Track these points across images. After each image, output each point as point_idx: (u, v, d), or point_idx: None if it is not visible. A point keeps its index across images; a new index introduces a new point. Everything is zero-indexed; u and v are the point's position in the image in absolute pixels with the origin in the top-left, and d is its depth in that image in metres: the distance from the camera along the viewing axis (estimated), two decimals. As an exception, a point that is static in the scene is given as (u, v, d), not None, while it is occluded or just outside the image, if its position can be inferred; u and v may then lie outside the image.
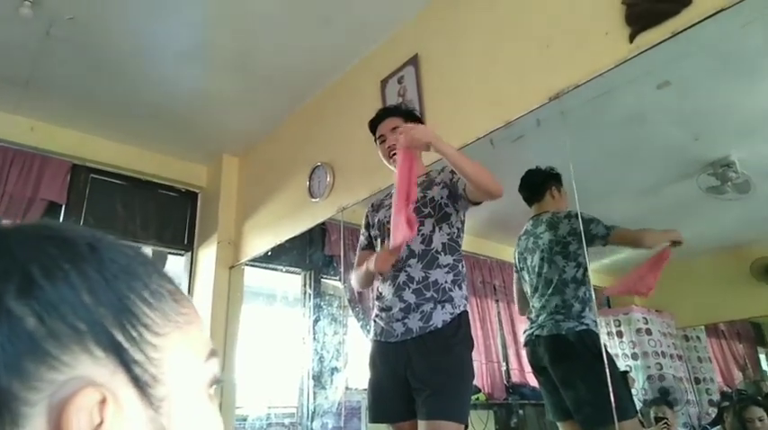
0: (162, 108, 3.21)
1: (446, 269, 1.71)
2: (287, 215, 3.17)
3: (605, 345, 2.29)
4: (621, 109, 2.10)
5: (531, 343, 2.19)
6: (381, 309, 1.78)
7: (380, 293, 1.81)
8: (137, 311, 0.33)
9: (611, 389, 1.76)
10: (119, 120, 3.33)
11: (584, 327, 2.05)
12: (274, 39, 2.69)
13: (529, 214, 2.38)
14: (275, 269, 3.63)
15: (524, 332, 2.28)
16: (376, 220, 1.92)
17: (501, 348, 3.19)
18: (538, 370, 2.22)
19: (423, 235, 1.73)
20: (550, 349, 2.09)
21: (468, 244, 3.11)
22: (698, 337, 3.03)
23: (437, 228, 1.73)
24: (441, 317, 1.65)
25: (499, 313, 3.24)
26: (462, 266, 1.77)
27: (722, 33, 1.54)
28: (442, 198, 1.76)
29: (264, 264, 3.55)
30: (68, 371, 0.29)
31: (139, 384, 0.32)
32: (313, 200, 2.93)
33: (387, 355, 1.72)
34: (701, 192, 2.40)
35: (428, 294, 1.68)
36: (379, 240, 1.89)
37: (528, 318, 2.28)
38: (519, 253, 2.37)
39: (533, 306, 2.24)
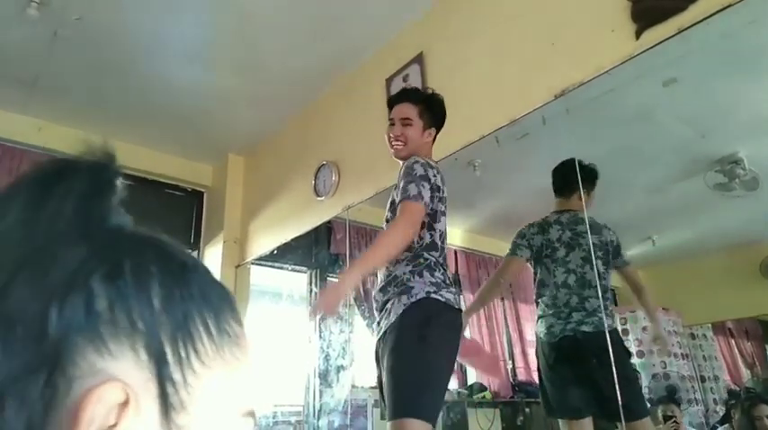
0: (168, 108, 3.22)
1: (405, 262, 1.65)
2: (292, 214, 3.18)
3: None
4: (627, 106, 2.09)
5: (569, 338, 2.15)
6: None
7: None
8: (194, 334, 0.33)
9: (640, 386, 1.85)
10: (125, 120, 3.35)
11: (615, 326, 2.14)
12: (280, 38, 2.69)
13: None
14: (281, 268, 3.63)
15: (548, 327, 2.23)
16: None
17: (507, 346, 3.18)
18: (553, 366, 2.18)
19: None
20: (596, 345, 2.06)
21: (473, 242, 3.13)
22: (704, 336, 3.02)
23: None
24: (396, 310, 1.60)
25: (505, 311, 3.23)
26: (427, 256, 1.66)
27: (729, 30, 1.53)
28: (397, 197, 1.71)
29: (270, 263, 3.56)
30: (109, 360, 0.29)
31: (165, 403, 0.31)
32: (318, 198, 2.94)
33: (376, 352, 1.73)
34: (709, 189, 2.38)
35: (390, 290, 1.65)
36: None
37: (549, 311, 2.24)
38: (546, 239, 2.30)
39: (559, 300, 2.20)
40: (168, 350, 0.32)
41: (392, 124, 1.81)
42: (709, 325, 3.00)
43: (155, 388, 0.31)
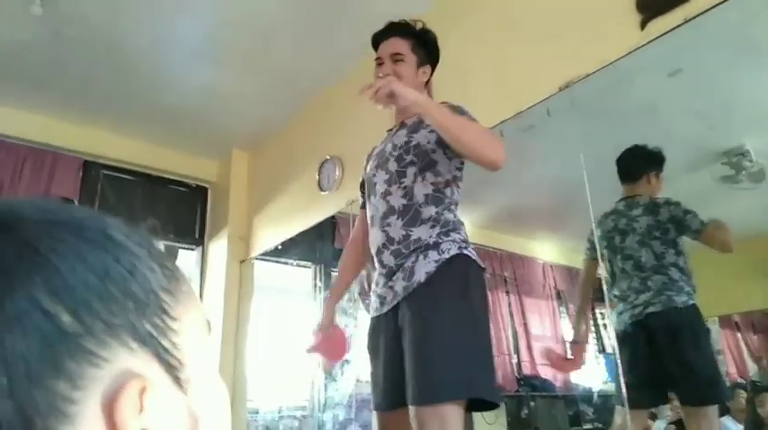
0: (172, 104, 3.23)
1: (430, 223, 1.40)
2: (297, 209, 3.18)
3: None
4: (633, 98, 2.08)
5: (640, 322, 2.11)
6: (372, 284, 1.53)
7: (371, 265, 1.56)
8: (156, 298, 0.33)
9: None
10: (130, 117, 3.35)
11: (693, 302, 2.07)
12: (284, 35, 2.69)
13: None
14: (286, 263, 3.64)
15: (620, 313, 2.19)
16: (366, 175, 1.64)
17: (512, 340, 3.18)
18: (635, 349, 2.12)
19: (405, 187, 1.44)
20: (667, 322, 2.05)
21: (477, 236, 3.12)
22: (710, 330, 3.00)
23: (419, 178, 1.43)
24: (423, 269, 1.34)
25: (510, 305, 3.23)
26: (454, 215, 1.45)
27: (736, 19, 1.51)
28: (429, 143, 1.46)
29: (275, 259, 3.57)
30: (108, 366, 0.29)
31: (170, 370, 0.33)
32: (322, 193, 2.94)
33: (378, 332, 1.45)
34: (715, 181, 2.37)
35: (406, 251, 1.39)
36: (366, 197, 1.61)
37: (619, 298, 2.21)
38: (604, 231, 2.27)
39: (627, 286, 2.18)
40: (149, 327, 0.32)
41: (380, 64, 1.58)
42: (716, 318, 2.98)
43: (156, 363, 0.32)
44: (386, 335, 1.41)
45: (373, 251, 1.50)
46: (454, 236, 1.41)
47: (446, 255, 1.36)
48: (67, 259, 0.30)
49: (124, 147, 3.54)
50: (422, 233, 1.40)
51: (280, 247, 3.33)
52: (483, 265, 1.42)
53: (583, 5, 1.78)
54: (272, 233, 3.37)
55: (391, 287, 1.41)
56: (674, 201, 2.14)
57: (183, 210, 3.86)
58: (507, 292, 3.23)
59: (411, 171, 1.44)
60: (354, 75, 2.92)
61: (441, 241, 1.38)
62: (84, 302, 0.29)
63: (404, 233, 1.41)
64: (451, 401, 1.21)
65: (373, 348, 1.49)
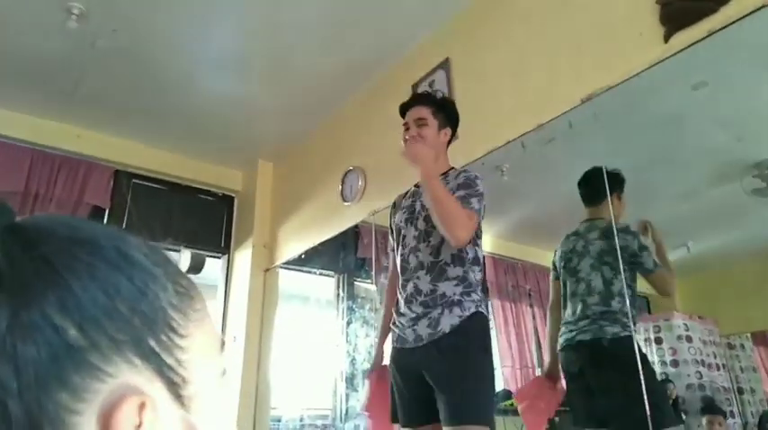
0: (200, 115, 3.30)
1: (455, 281, 1.65)
2: (320, 219, 3.21)
3: (645, 354, 2.25)
4: (656, 110, 2.05)
5: (571, 348, 2.14)
6: (397, 317, 1.76)
7: (398, 300, 1.79)
8: (165, 316, 0.34)
9: (648, 398, 1.74)
10: (159, 127, 3.44)
11: (627, 334, 2.02)
12: (308, 46, 2.73)
13: (562, 215, 2.34)
14: (309, 272, 3.67)
15: (561, 336, 2.24)
16: (394, 223, 1.88)
17: (536, 353, 3.14)
18: (571, 376, 2.18)
19: (432, 246, 1.68)
20: (592, 353, 2.05)
21: (499, 247, 3.10)
22: (742, 346, 2.91)
23: (445, 240, 1.64)
24: (449, 321, 1.60)
25: (534, 318, 3.19)
26: (475, 274, 1.70)
27: (762, 32, 1.48)
28: None
29: (298, 267, 3.60)
30: (111, 381, 0.30)
31: (172, 387, 0.33)
32: (345, 203, 2.96)
33: (402, 361, 1.71)
34: (746, 194, 2.31)
35: (432, 304, 1.65)
36: (395, 243, 1.85)
37: (564, 322, 2.24)
38: (564, 251, 2.30)
39: (572, 310, 2.20)
40: (154, 344, 0.33)
41: (407, 128, 1.83)
42: (748, 334, 2.90)
43: (158, 380, 0.33)
44: (411, 366, 1.67)
45: (403, 296, 1.73)
46: (474, 296, 1.66)
47: (467, 313, 1.62)
48: (81, 277, 0.31)
49: (153, 156, 3.63)
50: (446, 289, 1.64)
51: (303, 256, 3.36)
52: (489, 316, 1.75)
53: (605, 18, 1.77)
54: (295, 242, 3.41)
55: (415, 330, 1.65)
56: (632, 231, 2.09)
57: (210, 219, 3.93)
58: (531, 305, 3.20)
59: (437, 232, 1.65)
60: (378, 86, 2.95)
61: (463, 300, 1.63)
62: (93, 319, 0.31)
63: (431, 287, 1.65)
64: (482, 424, 1.53)
65: (398, 374, 1.73)
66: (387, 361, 1.87)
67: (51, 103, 3.15)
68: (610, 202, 2.21)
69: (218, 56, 2.80)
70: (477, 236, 1.74)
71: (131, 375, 0.31)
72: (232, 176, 3.99)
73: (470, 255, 1.70)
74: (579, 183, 2.28)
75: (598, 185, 2.26)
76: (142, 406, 0.31)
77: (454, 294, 1.64)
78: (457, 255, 1.67)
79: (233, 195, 4.04)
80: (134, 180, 3.62)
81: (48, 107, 3.19)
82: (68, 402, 0.29)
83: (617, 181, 2.21)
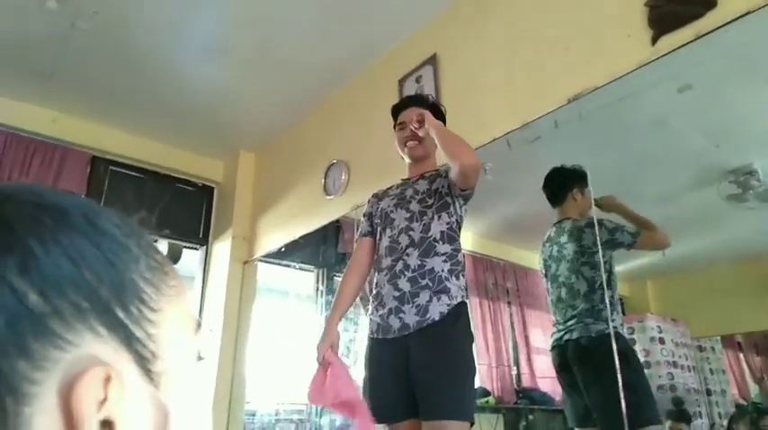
0: (182, 103, 3.25)
1: (443, 257, 1.68)
2: (301, 212, 3.18)
3: (635, 349, 2.29)
4: (641, 113, 2.08)
5: (560, 347, 2.17)
6: (377, 306, 1.74)
7: (376, 284, 1.78)
8: (135, 287, 0.33)
9: (623, 394, 1.77)
10: (139, 114, 3.37)
11: (609, 330, 2.05)
12: (294, 37, 2.70)
13: (543, 215, 2.36)
14: (288, 265, 3.64)
15: (551, 336, 2.26)
16: (379, 209, 1.90)
17: (512, 352, 3.16)
18: (560, 373, 2.20)
19: (424, 224, 1.72)
20: (579, 351, 2.07)
21: (481, 246, 3.12)
22: (712, 348, 2.98)
23: (436, 217, 1.72)
24: (437, 309, 1.61)
25: (511, 316, 3.22)
26: (462, 256, 1.74)
27: (748, 37, 1.51)
28: (443, 187, 1.77)
29: (278, 261, 3.58)
30: (73, 350, 0.29)
31: (141, 361, 0.32)
32: (328, 197, 2.94)
33: (385, 353, 1.68)
34: (722, 200, 2.36)
35: (423, 282, 1.65)
36: (380, 229, 1.86)
37: (554, 324, 2.26)
38: (543, 259, 2.35)
39: (560, 313, 2.22)
40: (122, 315, 0.31)
41: (402, 127, 1.87)
42: (718, 338, 2.96)
43: (125, 352, 0.31)
44: (393, 358, 1.65)
45: (387, 276, 1.73)
46: (461, 281, 1.69)
47: (455, 301, 1.64)
48: (44, 242, 0.30)
49: (132, 143, 3.56)
50: (435, 264, 1.67)
51: (283, 250, 3.33)
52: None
53: (593, 19, 1.78)
54: (275, 235, 3.38)
55: (401, 318, 1.64)
56: (597, 220, 2.10)
57: (189, 209, 3.87)
58: (509, 303, 3.22)
59: (430, 212, 1.74)
60: (365, 79, 2.93)
61: (450, 285, 1.66)
62: (55, 284, 0.29)
63: (419, 263, 1.68)
64: (464, 420, 1.54)
65: (377, 367, 1.71)
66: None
67: (27, 85, 3.06)
68: (572, 198, 2.24)
69: (203, 43, 2.75)
70: (460, 225, 1.78)
71: (96, 345, 0.30)
72: (213, 166, 3.93)
73: (459, 235, 1.76)
74: (543, 186, 2.31)
75: (558, 185, 2.29)
76: (108, 379, 0.29)
77: (442, 271, 1.66)
78: (446, 232, 1.71)
79: (213, 186, 3.98)
80: (112, 167, 3.55)
81: (23, 89, 3.10)
82: (26, 370, 0.27)
83: (577, 176, 2.24)
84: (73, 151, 3.34)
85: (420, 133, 1.76)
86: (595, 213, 2.13)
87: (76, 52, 2.79)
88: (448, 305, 1.62)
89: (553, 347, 2.23)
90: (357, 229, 3.05)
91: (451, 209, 1.75)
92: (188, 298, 0.38)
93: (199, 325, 0.39)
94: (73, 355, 0.29)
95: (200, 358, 0.38)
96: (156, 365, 0.33)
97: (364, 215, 1.98)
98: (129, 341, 0.31)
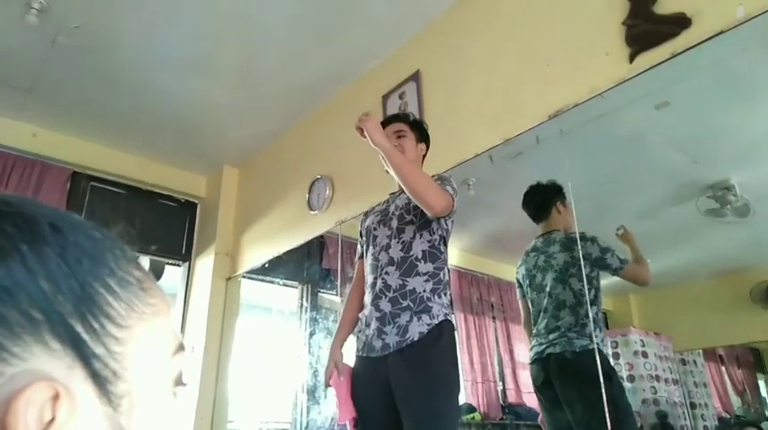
0: (164, 118, 3.23)
1: (425, 277, 1.65)
2: (285, 227, 3.16)
3: (614, 366, 2.29)
4: (621, 129, 2.11)
5: (541, 360, 2.16)
6: (362, 324, 1.75)
7: (363, 304, 1.78)
8: (100, 301, 0.31)
9: (607, 409, 1.76)
10: (121, 129, 3.34)
11: (593, 346, 2.05)
12: (277, 52, 2.71)
13: (527, 229, 2.37)
14: (272, 282, 3.61)
15: (531, 349, 2.25)
16: (365, 227, 1.89)
17: (498, 367, 3.16)
18: (541, 388, 2.19)
19: (403, 242, 1.70)
20: (561, 365, 2.07)
21: (465, 261, 3.12)
22: (695, 362, 3.00)
23: (417, 235, 1.69)
24: (417, 329, 1.59)
25: (496, 331, 3.21)
26: (444, 275, 1.71)
27: (722, 56, 1.55)
28: None
29: (261, 277, 3.54)
30: (19, 364, 0.27)
31: (98, 380, 0.30)
32: (312, 212, 2.93)
33: (369, 371, 1.69)
34: (700, 215, 2.40)
35: (404, 303, 1.63)
36: (364, 248, 1.85)
37: (535, 335, 2.25)
38: (526, 269, 2.34)
39: (543, 325, 2.22)
40: (79, 328, 0.29)
41: None
42: (700, 351, 2.99)
43: (81, 370, 0.29)
44: (376, 376, 1.64)
45: (370, 296, 1.72)
46: (443, 299, 1.66)
47: (436, 321, 1.61)
48: (1, 249, 0.28)
49: (114, 159, 3.52)
50: (416, 285, 1.64)
51: (267, 265, 3.30)
52: (455, 327, 1.71)
53: (573, 37, 1.81)
54: (259, 251, 3.35)
55: (383, 338, 1.63)
56: (590, 237, 2.12)
57: (171, 226, 3.83)
58: (494, 318, 3.22)
59: (410, 229, 1.70)
60: (349, 95, 2.95)
61: (433, 303, 1.63)
62: (4, 292, 0.27)
63: (400, 283, 1.65)
64: None
65: (362, 384, 1.71)
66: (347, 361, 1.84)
67: (6, 100, 3.02)
68: (557, 211, 2.27)
69: (185, 57, 2.75)
70: (447, 239, 1.76)
71: (47, 360, 0.27)
72: (196, 182, 3.90)
73: (444, 256, 1.72)
74: (522, 205, 2.34)
75: (540, 201, 2.32)
76: (56, 397, 0.27)
77: (424, 291, 1.64)
78: (428, 251, 1.69)
79: (196, 201, 3.94)
80: (92, 182, 3.50)
81: (2, 103, 3.06)
82: None
83: (555, 190, 2.27)
84: (53, 166, 3.29)
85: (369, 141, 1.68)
86: (577, 228, 2.15)
87: (57, 67, 2.77)
88: (428, 325, 1.60)
89: (534, 361, 2.22)
90: (340, 245, 3.05)
91: (434, 225, 1.72)
92: (170, 317, 0.36)
93: (181, 347, 0.36)
94: (17, 370, 0.26)
95: (180, 383, 0.36)
96: (117, 386, 0.30)
97: (359, 235, 1.99)
98: (86, 358, 0.29)
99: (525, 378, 3.05)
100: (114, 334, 0.31)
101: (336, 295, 3.38)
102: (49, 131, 3.28)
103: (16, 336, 0.27)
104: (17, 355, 0.27)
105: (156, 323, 0.34)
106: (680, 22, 1.46)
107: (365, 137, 1.63)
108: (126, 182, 3.63)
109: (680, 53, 1.47)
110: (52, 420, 0.26)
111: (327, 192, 2.85)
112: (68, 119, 3.22)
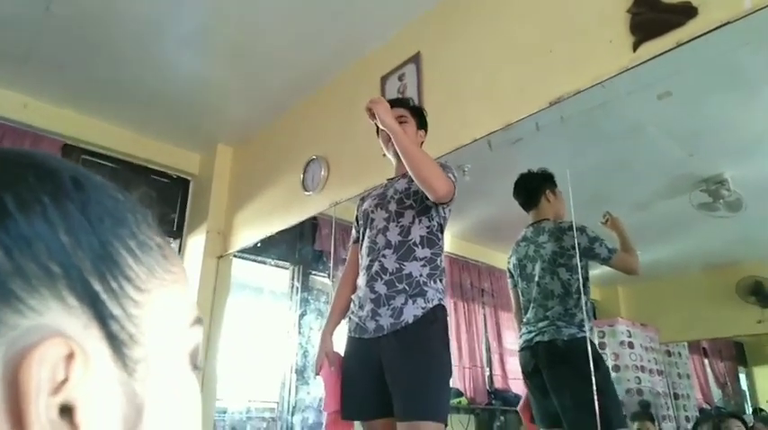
0: (159, 93, 3.18)
1: (422, 262, 1.67)
2: (279, 207, 3.15)
3: (602, 355, 2.31)
4: (621, 118, 2.11)
5: (530, 348, 2.18)
6: (355, 306, 1.75)
7: (357, 285, 1.78)
8: (120, 261, 0.30)
9: (601, 397, 1.79)
10: (114, 102, 3.29)
11: (583, 334, 2.07)
12: (277, 30, 2.67)
13: (522, 217, 2.38)
14: (263, 262, 3.60)
15: (520, 337, 2.27)
16: (362, 211, 1.90)
17: (485, 353, 3.19)
18: (530, 375, 2.21)
19: (402, 226, 1.71)
20: (550, 353, 2.09)
21: (458, 248, 3.13)
22: (679, 353, 3.05)
23: (417, 220, 1.71)
24: (412, 312, 1.61)
25: (485, 317, 3.24)
26: (441, 261, 1.73)
27: (725, 48, 1.55)
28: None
29: (253, 256, 3.53)
30: (35, 317, 0.25)
31: (115, 342, 0.28)
32: (306, 193, 2.92)
33: (361, 352, 1.70)
34: (693, 208, 2.42)
35: (400, 286, 1.64)
36: (362, 230, 1.86)
37: (524, 324, 2.27)
38: (517, 259, 2.35)
39: (531, 314, 2.23)
40: (98, 287, 0.28)
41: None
42: (685, 343, 3.04)
43: (97, 330, 0.28)
44: (368, 358, 1.66)
45: (365, 278, 1.72)
46: (438, 284, 1.68)
47: (431, 304, 1.63)
48: (21, 198, 0.27)
49: (106, 132, 3.47)
50: (413, 269, 1.65)
51: (259, 245, 3.29)
52: (448, 312, 1.74)
53: (577, 23, 1.80)
54: (251, 230, 3.34)
55: (377, 320, 1.64)
56: (579, 226, 2.13)
57: (163, 202, 3.79)
58: (483, 304, 3.24)
59: (409, 213, 1.72)
60: (347, 76, 2.92)
61: (428, 287, 1.64)
62: (23, 242, 0.26)
63: (397, 266, 1.66)
64: (438, 421, 1.54)
65: (352, 365, 1.72)
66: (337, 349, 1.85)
67: (-3, 68, 2.96)
68: (546, 200, 2.28)
69: (184, 31, 2.70)
70: (444, 227, 1.77)
71: (62, 317, 0.26)
72: (189, 158, 3.86)
73: (441, 239, 1.74)
74: (513, 193, 2.34)
75: (531, 188, 2.33)
76: (71, 356, 0.25)
77: (421, 275, 1.65)
78: (426, 236, 1.70)
79: (189, 178, 3.91)
80: (84, 156, 3.45)
81: (-7, 72, 2.99)
82: None
83: (546, 178, 2.27)
84: (44, 138, 3.24)
85: (378, 124, 1.70)
86: (575, 217, 2.16)
87: (51, 36, 2.71)
88: (423, 308, 1.62)
89: (523, 348, 2.24)
90: (334, 227, 3.04)
91: (432, 212, 1.73)
92: (189, 288, 0.35)
93: (199, 320, 0.35)
94: (32, 323, 0.25)
95: (195, 367, 0.34)
96: (134, 350, 0.29)
97: (354, 220, 1.98)
98: (104, 318, 0.28)
99: (512, 364, 3.08)
100: (133, 296, 0.30)
101: (328, 278, 3.39)
102: (41, 102, 3.22)
103: (33, 289, 0.26)
104: (33, 308, 0.26)
105: (176, 291, 0.33)
106: (686, 12, 1.45)
107: (374, 119, 1.64)
108: (118, 156, 3.58)
109: (685, 43, 1.46)
110: (65, 381, 0.25)
111: (322, 173, 2.83)
112: (61, 90, 3.16)
